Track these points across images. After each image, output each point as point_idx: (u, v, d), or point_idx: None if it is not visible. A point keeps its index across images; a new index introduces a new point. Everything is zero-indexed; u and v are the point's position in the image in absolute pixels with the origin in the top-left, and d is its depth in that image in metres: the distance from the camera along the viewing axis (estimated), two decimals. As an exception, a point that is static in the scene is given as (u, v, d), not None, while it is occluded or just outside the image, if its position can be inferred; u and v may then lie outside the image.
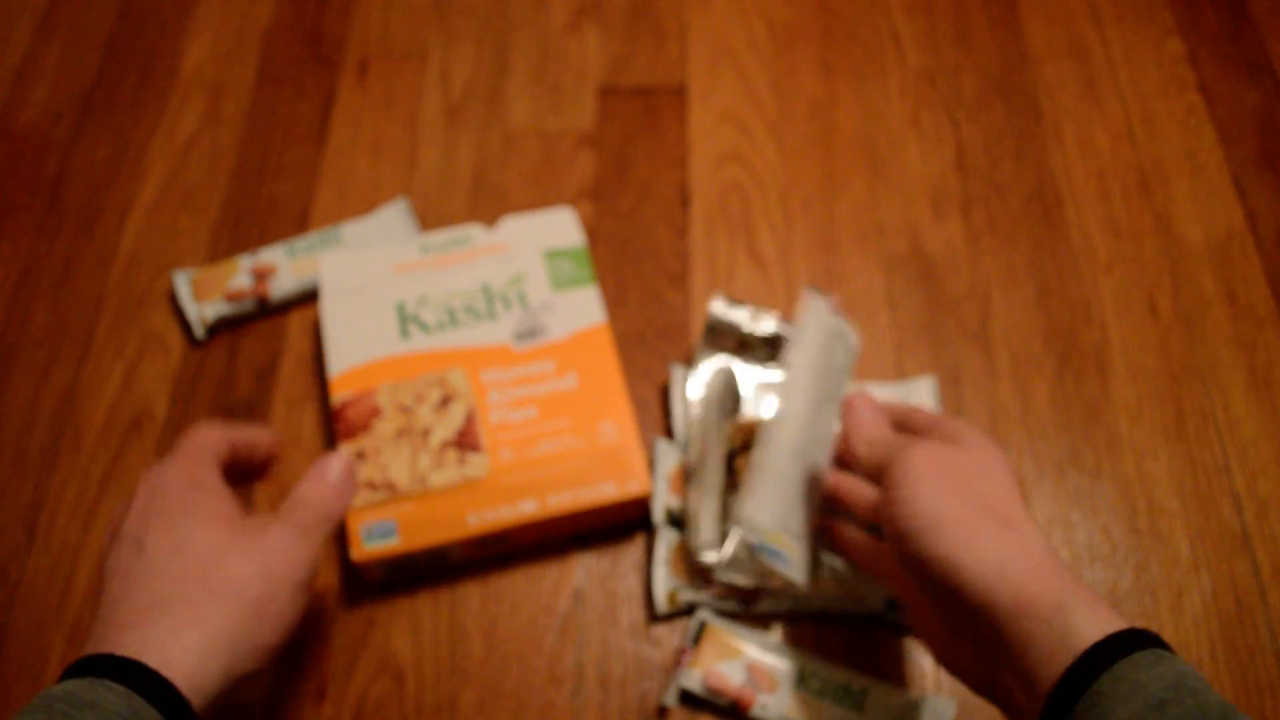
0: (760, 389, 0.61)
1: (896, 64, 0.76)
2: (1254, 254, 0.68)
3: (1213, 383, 0.63)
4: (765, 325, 0.61)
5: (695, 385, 0.60)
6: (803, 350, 0.55)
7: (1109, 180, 0.71)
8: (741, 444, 0.58)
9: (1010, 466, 0.46)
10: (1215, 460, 0.61)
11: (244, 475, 0.48)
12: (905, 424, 0.50)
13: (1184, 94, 0.75)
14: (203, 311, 0.64)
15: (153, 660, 0.35)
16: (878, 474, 0.46)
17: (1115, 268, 0.67)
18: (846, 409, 0.51)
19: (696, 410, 0.59)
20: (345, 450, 0.48)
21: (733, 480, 0.57)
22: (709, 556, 0.54)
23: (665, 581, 0.56)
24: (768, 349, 0.61)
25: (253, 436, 0.47)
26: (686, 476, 0.57)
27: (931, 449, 0.45)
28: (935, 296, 0.66)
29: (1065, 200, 0.70)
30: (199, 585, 0.38)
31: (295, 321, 0.66)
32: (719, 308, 0.61)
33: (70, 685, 0.33)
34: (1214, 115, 0.74)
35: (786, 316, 0.62)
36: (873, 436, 0.49)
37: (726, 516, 0.57)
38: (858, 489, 0.50)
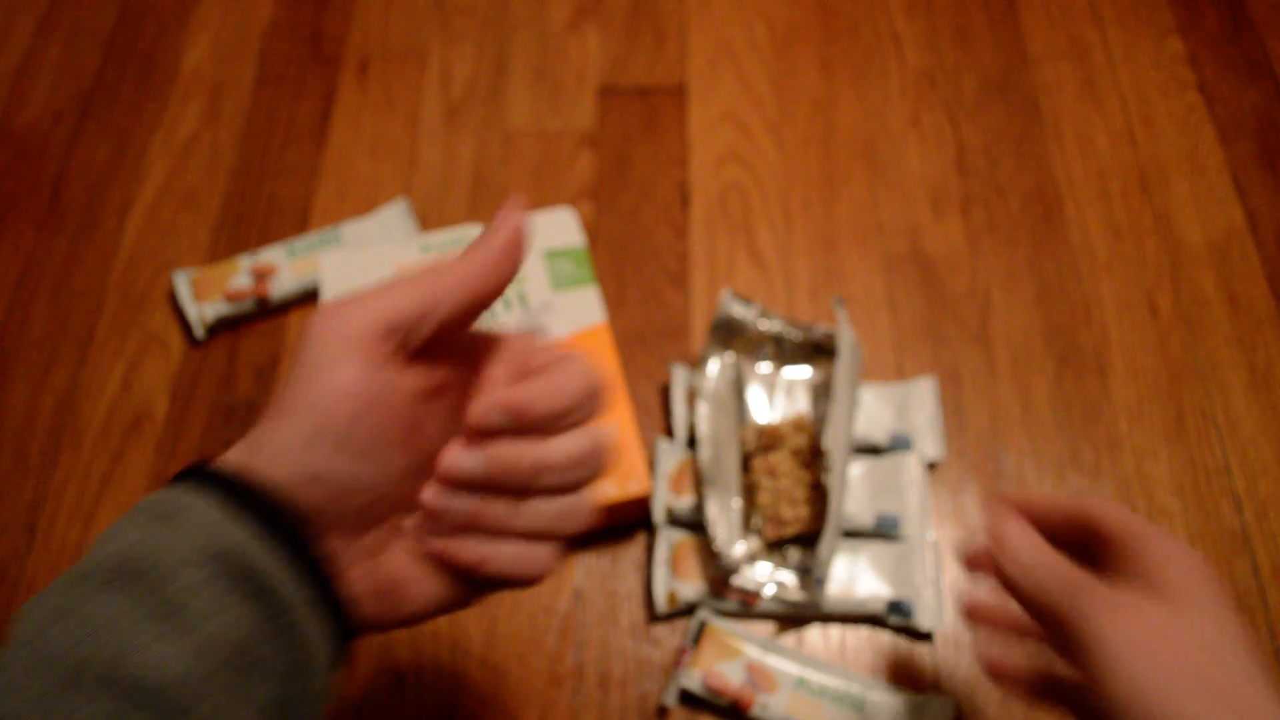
0: (769, 388, 0.61)
1: (896, 64, 0.76)
2: (1254, 254, 0.68)
3: (1213, 383, 0.63)
4: (772, 324, 0.61)
5: (703, 383, 0.60)
6: (841, 364, 0.56)
7: (1109, 180, 0.71)
8: (759, 447, 0.58)
9: (1234, 614, 0.36)
10: (1215, 460, 0.61)
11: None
12: (1083, 532, 0.39)
13: (1184, 94, 0.75)
14: (203, 311, 0.64)
15: (241, 464, 0.31)
16: (1050, 619, 0.37)
17: (1115, 268, 0.67)
18: (995, 529, 0.40)
19: (704, 409, 0.59)
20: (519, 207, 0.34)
21: (750, 480, 0.57)
22: (730, 557, 0.54)
23: (665, 581, 0.56)
24: (775, 347, 0.61)
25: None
26: (699, 478, 0.57)
27: (1141, 615, 0.35)
28: (935, 296, 0.66)
29: (1065, 200, 0.70)
30: (285, 392, 0.32)
31: (295, 321, 0.66)
32: (729, 304, 0.61)
33: (163, 492, 0.30)
34: (1214, 115, 0.74)
35: (789, 316, 0.62)
36: (1037, 573, 0.38)
37: (747, 518, 0.57)
38: (1010, 617, 0.41)
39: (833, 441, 0.54)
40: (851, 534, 0.57)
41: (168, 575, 0.27)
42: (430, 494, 0.33)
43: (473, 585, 0.34)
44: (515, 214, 0.33)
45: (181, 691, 0.26)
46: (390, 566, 0.33)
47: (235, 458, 0.31)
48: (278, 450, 0.30)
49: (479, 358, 0.35)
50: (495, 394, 0.32)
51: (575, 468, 0.33)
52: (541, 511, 0.33)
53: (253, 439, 0.31)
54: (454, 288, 0.32)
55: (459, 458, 0.32)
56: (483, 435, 0.33)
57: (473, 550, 0.33)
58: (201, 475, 0.30)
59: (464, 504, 0.33)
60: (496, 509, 0.33)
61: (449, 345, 0.34)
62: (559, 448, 0.33)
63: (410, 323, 0.31)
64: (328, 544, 0.31)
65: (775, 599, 0.55)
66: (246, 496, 0.29)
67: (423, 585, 0.33)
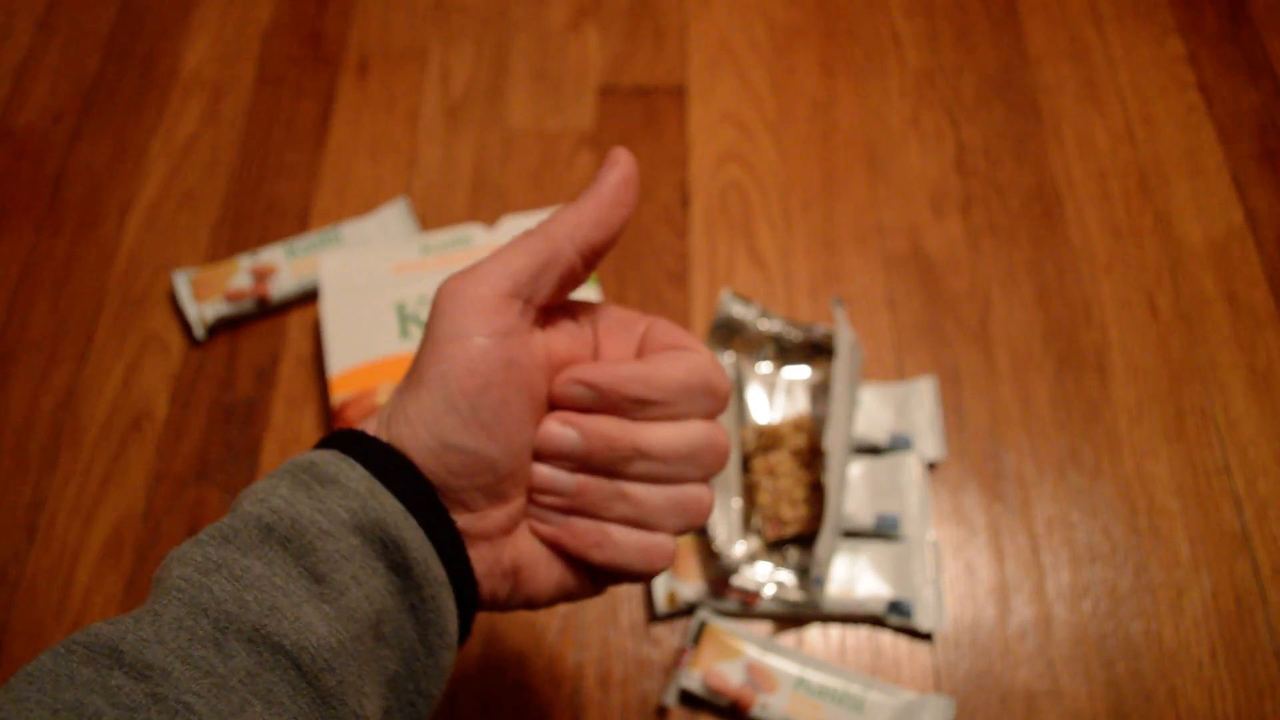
0: (769, 388, 0.61)
1: (896, 64, 0.76)
2: (1254, 254, 0.68)
3: (1213, 383, 0.63)
4: (772, 324, 0.61)
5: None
6: (840, 364, 0.56)
7: (1109, 180, 0.71)
8: (759, 447, 0.58)
9: None
10: (1215, 460, 0.61)
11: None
12: None
13: (1184, 94, 0.75)
14: (203, 311, 0.64)
15: (384, 436, 0.31)
16: None
17: (1115, 268, 0.67)
18: None
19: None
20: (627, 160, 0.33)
21: (750, 480, 0.58)
22: (730, 557, 0.54)
23: (665, 581, 0.56)
24: (775, 347, 0.61)
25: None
26: None
27: None
28: (935, 296, 0.66)
29: (1065, 200, 0.70)
30: (420, 355, 0.31)
31: (295, 321, 0.66)
32: (729, 304, 0.61)
33: (315, 455, 0.30)
34: (1214, 115, 0.74)
35: (789, 316, 0.62)
36: None
37: (747, 518, 0.57)
38: None
39: (831, 442, 0.54)
40: (851, 534, 0.57)
41: (317, 541, 0.28)
42: (537, 468, 0.32)
43: (591, 574, 0.34)
44: (624, 158, 0.33)
45: (321, 656, 0.26)
46: (515, 549, 0.33)
47: (375, 427, 0.31)
48: (412, 422, 0.30)
49: (607, 333, 0.34)
50: (579, 368, 0.32)
51: (679, 460, 0.32)
52: (649, 500, 0.33)
53: (390, 409, 0.31)
54: (571, 234, 0.32)
55: (555, 429, 0.32)
56: (578, 410, 0.32)
57: (584, 535, 0.33)
58: (351, 442, 0.30)
59: (569, 481, 0.32)
60: (603, 489, 0.32)
61: (577, 315, 0.34)
62: (659, 435, 0.32)
63: (533, 277, 0.31)
64: (458, 520, 0.31)
65: (775, 599, 0.55)
66: (394, 468, 0.30)
67: (545, 570, 0.33)
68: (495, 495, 0.31)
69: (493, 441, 0.30)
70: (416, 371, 0.31)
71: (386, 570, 0.29)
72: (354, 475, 0.29)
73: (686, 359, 0.33)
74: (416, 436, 0.30)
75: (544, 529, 0.33)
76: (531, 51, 0.77)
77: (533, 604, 0.34)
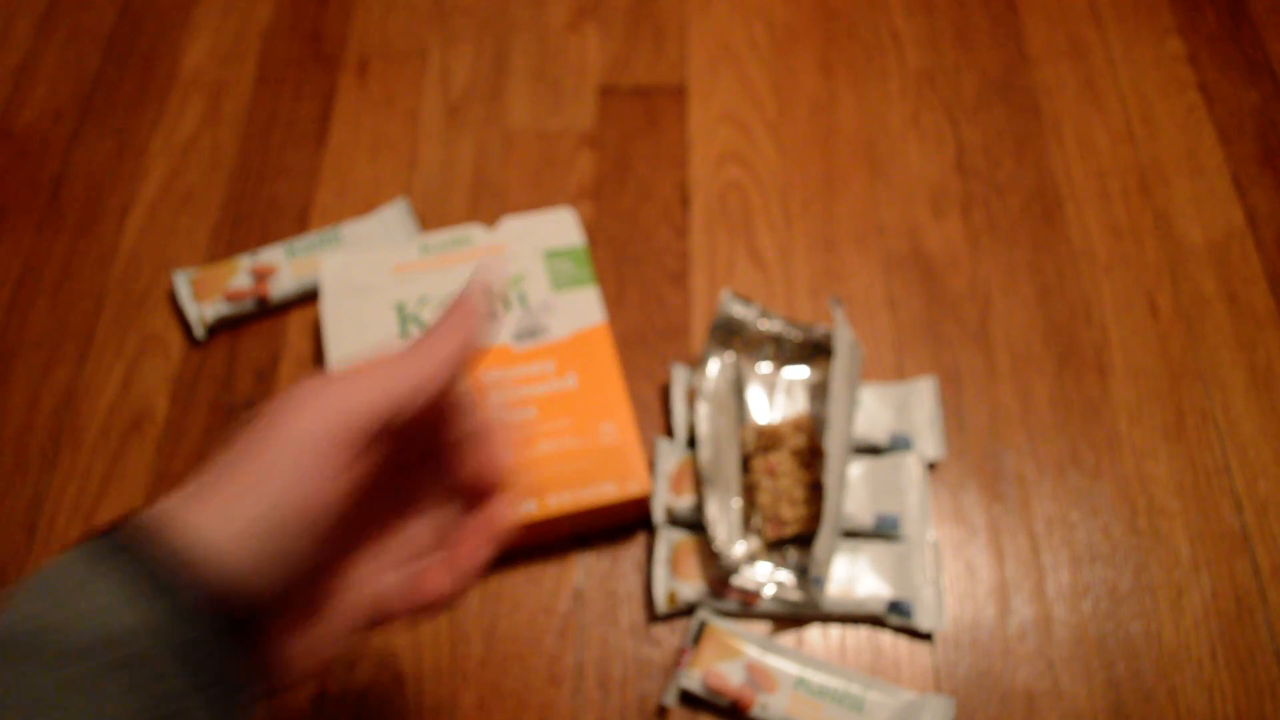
0: (769, 388, 0.61)
1: (896, 64, 0.76)
2: (1254, 254, 0.68)
3: (1213, 383, 0.63)
4: (772, 324, 0.61)
5: (703, 383, 0.60)
6: (838, 364, 0.56)
7: (1109, 180, 0.71)
8: (759, 447, 0.58)
9: None
10: (1215, 460, 0.61)
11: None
12: None
13: (1184, 94, 0.75)
14: (203, 311, 0.64)
15: (191, 520, 0.29)
16: None
17: (1115, 268, 0.67)
18: None
19: (704, 409, 0.59)
20: (485, 275, 0.35)
21: (750, 480, 0.58)
22: (730, 557, 0.54)
23: (665, 581, 0.56)
24: (775, 347, 0.61)
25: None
26: (699, 478, 0.57)
27: None
28: (935, 296, 0.66)
29: (1065, 200, 0.70)
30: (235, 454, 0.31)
31: (295, 321, 0.66)
32: (729, 304, 0.61)
33: (82, 557, 0.28)
34: (1214, 115, 0.74)
35: (789, 316, 0.62)
36: None
37: (747, 518, 0.57)
38: None
39: (831, 442, 0.54)
40: (851, 534, 0.57)
41: (55, 661, 0.26)
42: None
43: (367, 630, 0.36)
44: (485, 277, 0.35)
45: None
46: (316, 634, 0.33)
47: (182, 506, 0.29)
48: (233, 518, 0.29)
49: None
50: (500, 511, 0.36)
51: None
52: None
53: (208, 490, 0.30)
54: (448, 360, 0.33)
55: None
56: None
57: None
58: (121, 540, 0.28)
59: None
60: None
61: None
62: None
63: (400, 409, 0.32)
64: (265, 619, 0.31)
65: (775, 599, 0.55)
66: (164, 572, 0.28)
67: (335, 641, 0.34)
68: (306, 602, 0.32)
69: (321, 547, 0.31)
70: (251, 463, 0.29)
71: (130, 689, 0.27)
72: (107, 585, 0.27)
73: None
74: (243, 542, 0.29)
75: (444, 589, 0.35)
76: (531, 51, 0.77)
77: (312, 676, 0.35)
